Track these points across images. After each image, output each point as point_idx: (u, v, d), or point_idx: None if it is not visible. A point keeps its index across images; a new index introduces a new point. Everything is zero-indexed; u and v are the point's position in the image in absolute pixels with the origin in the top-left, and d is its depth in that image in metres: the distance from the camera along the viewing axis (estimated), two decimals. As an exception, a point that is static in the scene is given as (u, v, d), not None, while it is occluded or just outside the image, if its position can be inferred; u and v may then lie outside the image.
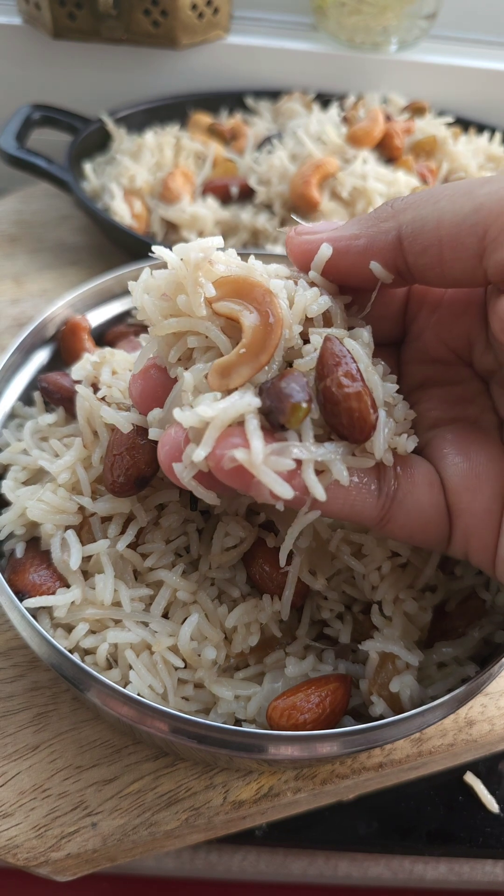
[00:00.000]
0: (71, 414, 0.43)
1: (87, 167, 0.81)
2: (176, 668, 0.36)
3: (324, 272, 0.31)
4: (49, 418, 0.43)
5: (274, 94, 0.94)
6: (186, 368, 0.31)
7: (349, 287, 0.32)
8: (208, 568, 0.38)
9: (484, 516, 0.30)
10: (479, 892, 0.48)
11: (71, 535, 0.38)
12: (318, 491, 0.27)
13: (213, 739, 0.31)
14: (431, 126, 0.86)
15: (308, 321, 0.31)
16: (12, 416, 0.46)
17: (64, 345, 0.49)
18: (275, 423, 0.27)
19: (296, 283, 0.31)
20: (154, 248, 0.31)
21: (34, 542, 0.39)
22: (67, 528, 0.38)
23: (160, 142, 0.82)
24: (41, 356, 0.49)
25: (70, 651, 0.35)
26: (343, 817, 0.44)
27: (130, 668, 0.35)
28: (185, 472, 0.28)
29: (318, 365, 0.29)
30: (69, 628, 0.37)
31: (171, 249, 0.31)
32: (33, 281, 0.75)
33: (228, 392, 0.28)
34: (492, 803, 0.45)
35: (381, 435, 0.29)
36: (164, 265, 0.31)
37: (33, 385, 0.47)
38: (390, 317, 0.35)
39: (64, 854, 0.36)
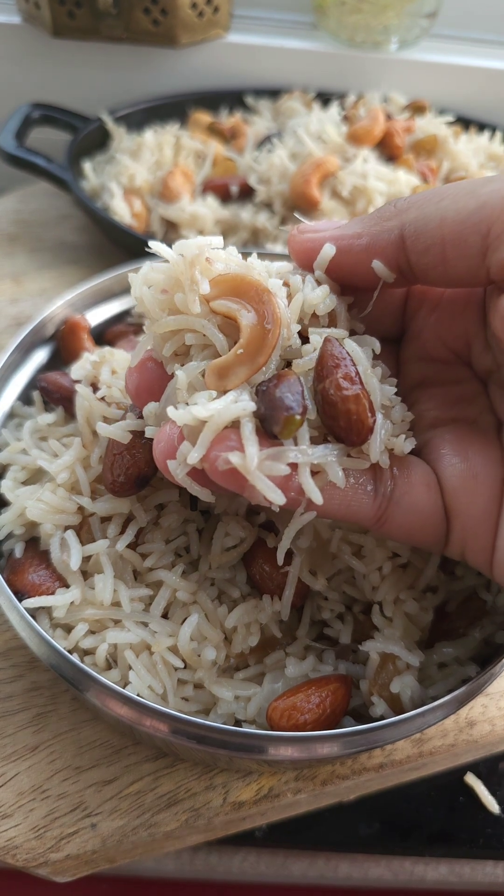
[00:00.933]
0: (70, 413, 0.43)
1: (87, 166, 0.80)
2: (176, 669, 0.36)
3: (326, 271, 0.31)
4: (48, 418, 0.43)
5: (274, 93, 0.94)
6: (182, 364, 0.30)
7: (350, 286, 0.32)
8: (208, 568, 0.38)
9: (481, 517, 0.30)
10: (479, 893, 0.48)
11: (71, 536, 0.37)
12: (315, 494, 0.27)
13: (212, 740, 0.31)
14: (432, 125, 0.85)
15: (314, 317, 0.31)
16: (11, 415, 0.46)
17: (63, 344, 0.49)
18: (269, 430, 0.27)
19: (303, 280, 0.31)
20: (151, 243, 0.31)
21: (33, 542, 0.39)
22: (67, 528, 0.38)
23: (160, 141, 0.82)
24: (40, 355, 0.49)
25: (69, 651, 0.35)
26: (343, 818, 0.44)
27: (130, 668, 0.35)
28: (179, 470, 0.28)
29: (317, 366, 0.29)
30: (68, 628, 0.37)
31: (170, 247, 0.31)
32: (32, 280, 0.74)
33: (225, 392, 0.28)
34: (492, 804, 0.45)
35: (378, 438, 0.29)
36: (165, 260, 0.30)
37: (32, 384, 0.47)
38: (389, 314, 0.35)
39: (63, 855, 0.36)
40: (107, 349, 0.46)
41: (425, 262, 0.28)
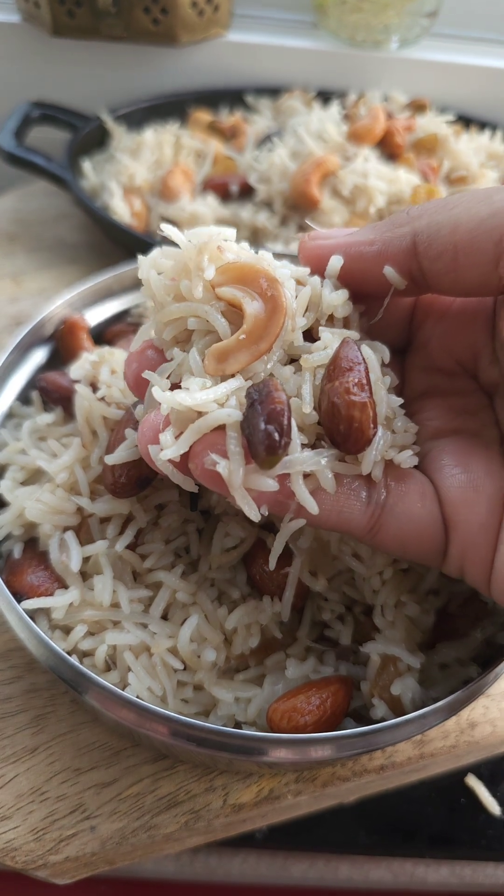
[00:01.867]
0: (69, 413, 0.43)
1: (87, 165, 0.80)
2: (175, 671, 0.36)
3: (337, 278, 0.31)
4: (47, 418, 0.43)
5: (274, 92, 0.94)
6: (184, 351, 0.30)
7: (360, 294, 0.32)
8: (208, 569, 0.38)
9: (481, 531, 0.29)
10: (481, 894, 0.48)
11: (70, 537, 0.37)
12: (310, 504, 0.27)
13: (212, 742, 0.31)
14: (433, 124, 0.85)
15: (330, 320, 0.31)
16: (10, 415, 0.46)
17: (62, 344, 0.49)
18: (251, 452, 0.26)
19: (322, 282, 0.31)
20: (163, 226, 0.31)
21: (32, 543, 0.39)
22: (66, 528, 0.38)
23: (160, 140, 0.82)
24: (39, 355, 0.49)
25: (68, 653, 0.35)
26: (344, 820, 0.44)
27: (129, 670, 0.35)
28: (160, 456, 0.27)
29: (329, 365, 0.28)
30: (67, 630, 0.36)
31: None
32: (32, 280, 0.74)
33: (224, 378, 0.27)
34: (494, 806, 0.45)
35: (374, 451, 0.28)
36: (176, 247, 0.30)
37: (32, 384, 0.47)
38: (396, 324, 0.34)
39: (62, 857, 0.36)
40: (106, 349, 0.45)
41: (437, 268, 0.28)
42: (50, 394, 0.44)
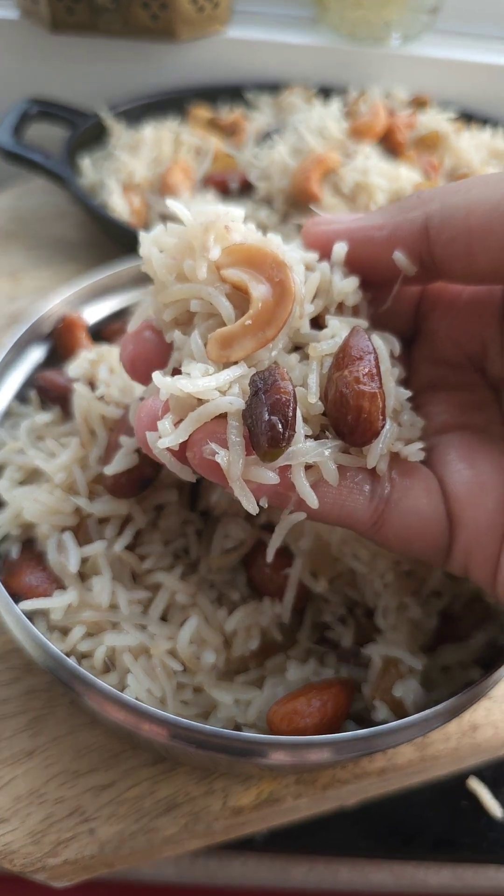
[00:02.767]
0: (67, 412, 0.42)
1: (85, 162, 0.80)
2: (175, 672, 0.35)
3: (343, 264, 0.30)
4: (45, 417, 0.43)
5: (274, 88, 0.94)
6: (185, 334, 0.29)
7: (367, 280, 0.31)
8: (207, 570, 0.38)
9: (487, 529, 0.28)
10: (482, 897, 0.48)
11: (68, 537, 0.37)
12: (311, 497, 0.26)
13: (212, 745, 0.31)
14: (434, 121, 0.85)
15: (339, 308, 0.30)
16: (8, 414, 0.45)
17: (60, 342, 0.49)
18: (252, 444, 0.25)
19: (332, 268, 0.30)
20: (169, 201, 0.30)
21: (30, 544, 0.39)
22: (64, 529, 0.38)
23: (159, 136, 0.81)
24: (37, 353, 0.48)
25: (67, 654, 0.34)
26: (345, 823, 0.44)
27: (128, 671, 0.35)
28: (157, 443, 0.26)
29: (338, 353, 0.27)
30: (66, 631, 0.36)
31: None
32: (30, 277, 0.74)
33: (227, 365, 0.26)
34: (496, 808, 0.44)
35: (381, 444, 0.27)
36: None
37: (29, 383, 0.47)
38: (403, 313, 0.33)
39: (61, 860, 0.35)
40: (104, 347, 0.45)
41: (449, 254, 0.27)
42: (48, 392, 0.43)
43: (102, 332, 0.52)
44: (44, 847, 0.35)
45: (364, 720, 0.35)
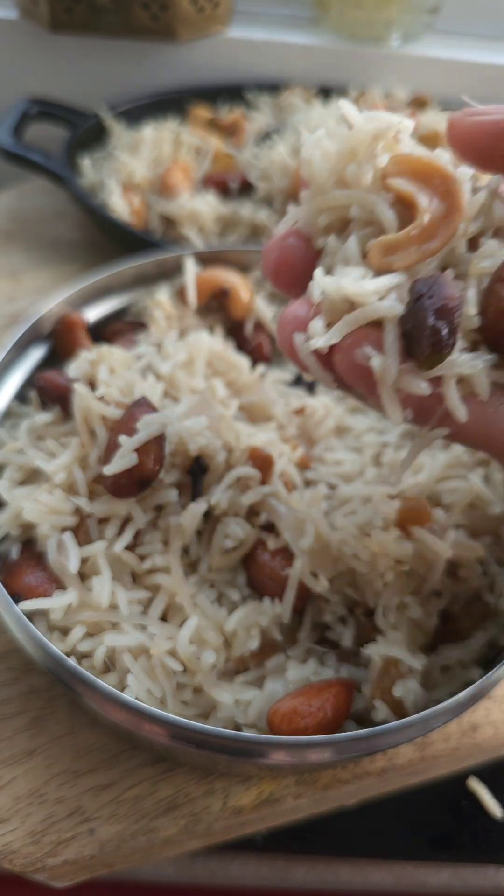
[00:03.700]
0: (67, 412, 0.42)
1: (85, 162, 0.80)
2: (174, 672, 0.35)
3: (492, 165, 0.27)
4: (45, 417, 0.43)
5: (274, 88, 0.94)
6: (339, 240, 0.28)
7: None
8: (207, 570, 0.38)
9: None
10: (482, 897, 0.48)
11: (68, 537, 0.37)
12: (460, 411, 0.25)
13: (212, 745, 0.31)
14: (434, 121, 0.84)
15: (498, 231, 0.28)
16: (8, 414, 0.45)
17: (60, 342, 0.49)
18: (410, 350, 0.24)
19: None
20: (340, 102, 0.29)
21: (30, 544, 0.39)
22: (64, 529, 0.38)
23: (159, 136, 0.81)
24: (37, 353, 0.48)
25: (67, 654, 0.34)
26: (345, 823, 0.44)
27: (128, 672, 0.35)
28: (304, 346, 0.25)
29: (500, 269, 0.26)
30: (66, 631, 0.36)
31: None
32: (30, 277, 0.74)
33: (388, 271, 0.25)
34: (496, 808, 0.44)
35: None
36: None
37: (29, 383, 0.47)
38: None
39: (61, 860, 0.35)
40: (104, 347, 0.45)
41: None
42: (48, 393, 0.43)
43: (102, 332, 0.52)
44: (44, 847, 0.35)
45: (364, 720, 0.35)
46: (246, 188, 0.77)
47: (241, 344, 0.53)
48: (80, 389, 0.39)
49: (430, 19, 0.94)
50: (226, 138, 0.85)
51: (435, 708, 0.32)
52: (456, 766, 0.43)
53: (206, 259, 0.54)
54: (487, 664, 0.37)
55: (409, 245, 0.26)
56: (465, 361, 0.25)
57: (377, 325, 0.25)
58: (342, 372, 0.25)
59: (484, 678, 0.33)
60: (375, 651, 0.35)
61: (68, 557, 0.36)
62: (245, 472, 0.39)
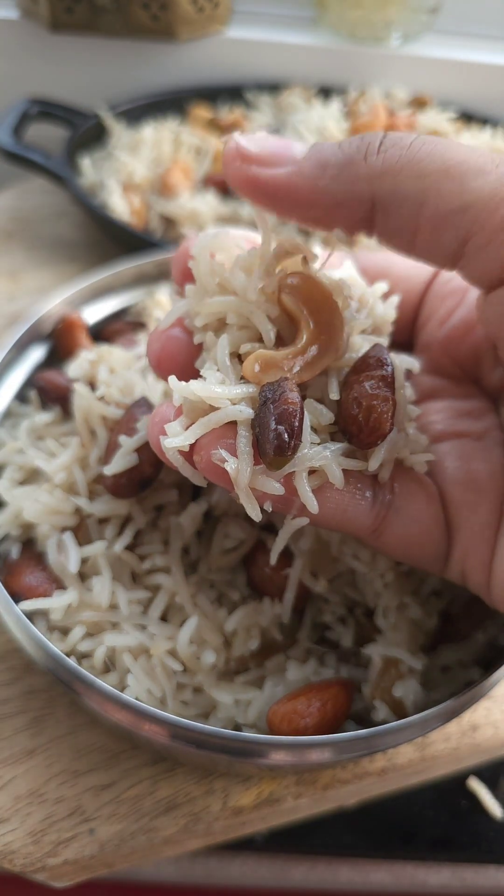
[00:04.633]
0: (67, 412, 0.42)
1: (85, 162, 0.80)
2: (174, 672, 0.35)
3: (278, 212, 0.28)
4: (45, 417, 0.43)
5: (274, 88, 0.94)
6: (216, 336, 0.29)
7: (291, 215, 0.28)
8: (207, 570, 0.38)
9: (482, 532, 0.28)
10: (482, 897, 0.48)
11: (69, 537, 0.37)
12: (311, 503, 0.26)
13: (212, 745, 0.31)
14: (434, 121, 0.85)
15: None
16: (8, 414, 0.45)
17: (60, 342, 0.49)
18: (258, 450, 0.26)
19: (370, 284, 0.30)
20: (256, 214, 0.28)
21: (30, 544, 0.39)
22: (64, 529, 0.38)
23: (159, 136, 0.81)
24: (37, 353, 0.48)
25: (67, 654, 0.34)
26: (345, 823, 0.44)
27: (128, 671, 0.35)
28: (165, 442, 0.27)
29: (358, 361, 0.28)
30: (66, 631, 0.36)
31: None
32: (30, 277, 0.74)
33: (258, 382, 0.27)
34: (495, 808, 0.44)
35: (384, 449, 0.28)
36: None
37: (29, 383, 0.47)
38: (400, 326, 0.34)
39: (61, 860, 0.35)
40: (104, 347, 0.45)
41: (390, 237, 0.26)
42: (48, 393, 0.43)
43: (102, 332, 0.52)
44: (44, 847, 0.35)
45: (364, 720, 0.35)
46: (246, 188, 0.77)
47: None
48: (80, 389, 0.39)
49: (429, 19, 0.94)
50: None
51: (435, 708, 0.32)
52: (456, 765, 0.43)
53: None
54: (487, 664, 0.37)
55: (284, 365, 0.27)
56: (315, 454, 0.26)
57: (234, 424, 0.26)
58: (202, 470, 0.26)
59: (484, 678, 0.33)
60: (375, 651, 0.35)
61: (68, 557, 0.36)
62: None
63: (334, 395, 0.28)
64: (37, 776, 0.37)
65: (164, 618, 0.37)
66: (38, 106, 0.82)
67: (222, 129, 0.86)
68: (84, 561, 0.37)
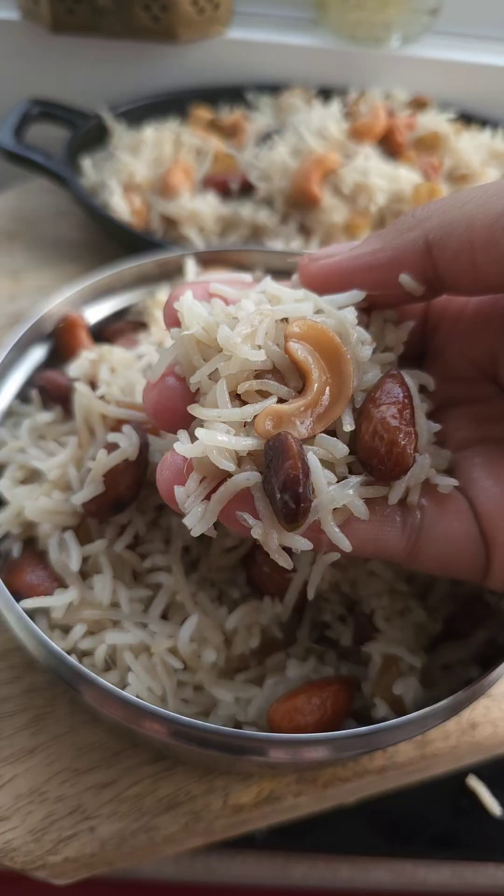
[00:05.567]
0: (69, 412, 0.43)
1: (86, 163, 0.80)
2: (175, 670, 0.35)
3: (339, 288, 0.30)
4: (46, 416, 0.43)
5: (275, 89, 0.94)
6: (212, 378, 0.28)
7: (374, 306, 0.31)
8: (208, 569, 0.38)
9: None
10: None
11: (69, 536, 0.37)
12: (343, 543, 0.26)
13: (212, 742, 0.31)
14: (434, 122, 0.85)
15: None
16: (9, 413, 0.45)
17: (61, 342, 0.49)
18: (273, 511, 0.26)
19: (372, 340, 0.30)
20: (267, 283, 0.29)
21: (31, 543, 0.39)
22: (65, 528, 0.38)
23: (159, 137, 0.81)
24: (38, 353, 0.48)
25: (67, 652, 0.34)
26: (345, 821, 0.44)
27: (129, 669, 0.35)
28: (188, 503, 0.26)
29: (374, 391, 0.28)
30: (66, 629, 0.36)
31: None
32: (31, 277, 0.74)
33: (265, 434, 0.26)
34: (495, 807, 0.45)
35: (407, 479, 0.27)
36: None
37: (30, 382, 0.47)
38: (410, 334, 0.33)
39: (61, 858, 0.35)
40: (105, 347, 0.45)
41: (454, 269, 0.27)
42: (49, 392, 0.44)
43: (103, 332, 0.52)
44: (45, 845, 0.36)
45: (364, 718, 0.36)
46: (246, 188, 0.77)
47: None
48: (80, 389, 0.39)
49: (429, 20, 0.94)
50: (226, 139, 0.85)
51: (434, 706, 0.32)
52: (455, 764, 0.43)
53: (206, 259, 0.54)
54: (487, 662, 0.37)
55: (296, 420, 0.27)
56: (337, 493, 0.26)
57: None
58: (227, 524, 0.27)
59: (483, 676, 0.34)
60: (375, 649, 0.35)
61: (69, 556, 0.36)
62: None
63: (348, 426, 0.27)
64: (38, 774, 0.38)
65: (164, 616, 0.37)
66: (39, 106, 0.82)
67: (223, 129, 0.86)
68: (85, 559, 0.37)
